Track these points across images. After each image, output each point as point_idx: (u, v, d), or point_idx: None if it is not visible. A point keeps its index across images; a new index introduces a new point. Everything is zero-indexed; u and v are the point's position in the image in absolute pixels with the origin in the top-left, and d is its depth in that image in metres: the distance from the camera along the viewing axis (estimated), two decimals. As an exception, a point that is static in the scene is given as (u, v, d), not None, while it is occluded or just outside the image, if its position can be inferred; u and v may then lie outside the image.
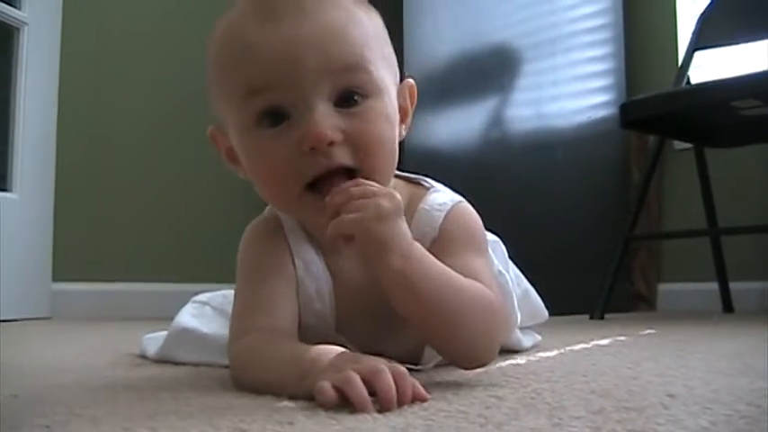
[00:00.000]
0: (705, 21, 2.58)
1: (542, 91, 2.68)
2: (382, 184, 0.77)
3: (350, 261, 0.87)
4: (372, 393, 0.62)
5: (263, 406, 0.66)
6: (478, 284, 0.78)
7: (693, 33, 2.59)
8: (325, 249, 0.87)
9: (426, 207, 0.87)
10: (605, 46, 2.94)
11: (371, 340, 0.86)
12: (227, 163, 0.86)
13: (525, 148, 2.59)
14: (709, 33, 2.57)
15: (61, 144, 2.64)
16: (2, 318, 2.21)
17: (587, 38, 2.88)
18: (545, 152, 2.66)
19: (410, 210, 0.85)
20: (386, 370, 0.63)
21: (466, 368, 0.82)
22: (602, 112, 2.86)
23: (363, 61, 0.77)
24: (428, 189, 0.90)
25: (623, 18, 2.99)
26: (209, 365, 1.03)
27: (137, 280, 2.76)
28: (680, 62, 2.61)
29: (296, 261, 0.86)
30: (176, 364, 1.06)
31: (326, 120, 0.74)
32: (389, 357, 0.68)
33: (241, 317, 0.85)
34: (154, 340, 1.17)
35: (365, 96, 0.78)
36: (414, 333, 0.88)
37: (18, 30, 2.54)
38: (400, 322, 0.86)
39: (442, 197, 0.88)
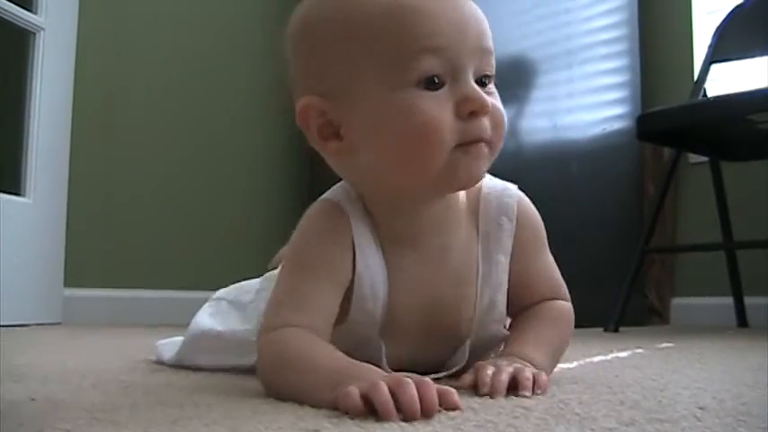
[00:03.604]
0: (722, 34, 2.57)
1: (558, 103, 2.67)
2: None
3: (410, 259, 0.86)
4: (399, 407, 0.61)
5: (287, 412, 0.65)
6: (562, 311, 0.92)
7: (710, 46, 2.58)
8: (387, 245, 0.85)
9: (492, 192, 0.89)
10: (621, 58, 2.94)
11: (412, 344, 0.87)
12: (316, 140, 0.82)
13: (540, 159, 2.59)
14: (726, 46, 2.56)
15: (75, 149, 2.63)
16: (13, 322, 2.21)
17: (603, 50, 2.88)
18: (560, 164, 2.65)
19: (471, 193, 0.88)
20: (411, 382, 0.63)
21: None
22: (617, 125, 2.85)
23: (492, 48, 0.82)
24: None
25: (639, 31, 2.98)
26: (227, 370, 1.02)
27: (149, 287, 2.75)
28: (695, 75, 2.60)
29: (357, 254, 0.84)
30: (194, 369, 1.05)
31: (480, 91, 0.78)
32: (425, 360, 0.81)
33: (280, 305, 0.83)
34: (169, 345, 1.16)
35: (490, 81, 0.82)
36: (454, 342, 0.89)
37: (34, 34, 2.53)
38: (448, 329, 0.88)
39: (497, 181, 0.91)
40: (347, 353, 0.75)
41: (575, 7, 2.77)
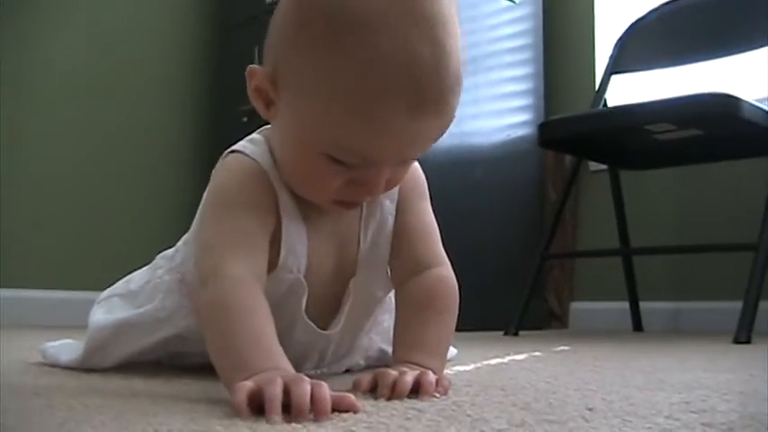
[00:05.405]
0: (622, 46, 2.64)
1: (463, 109, 2.65)
2: None
3: (317, 210, 0.88)
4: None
5: (178, 413, 0.64)
6: (446, 286, 0.91)
7: (611, 57, 2.65)
8: (301, 206, 0.87)
9: None
10: (525, 66, 2.99)
11: (324, 287, 0.91)
12: (251, 94, 0.82)
13: (445, 164, 2.60)
14: (626, 58, 2.63)
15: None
16: None
17: (508, 58, 2.92)
18: (464, 169, 2.68)
19: None
20: (307, 381, 0.64)
21: None
22: (520, 132, 2.90)
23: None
24: None
25: (543, 40, 3.04)
26: (127, 367, 1.01)
27: (39, 287, 2.66)
28: (597, 85, 2.66)
29: (280, 203, 0.85)
30: (87, 371, 1.02)
31: (385, 176, 0.79)
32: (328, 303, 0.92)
33: (216, 249, 0.81)
34: (65, 347, 1.11)
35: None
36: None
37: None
38: (350, 270, 0.93)
39: None
40: (273, 305, 0.77)
41: (480, 15, 2.81)
